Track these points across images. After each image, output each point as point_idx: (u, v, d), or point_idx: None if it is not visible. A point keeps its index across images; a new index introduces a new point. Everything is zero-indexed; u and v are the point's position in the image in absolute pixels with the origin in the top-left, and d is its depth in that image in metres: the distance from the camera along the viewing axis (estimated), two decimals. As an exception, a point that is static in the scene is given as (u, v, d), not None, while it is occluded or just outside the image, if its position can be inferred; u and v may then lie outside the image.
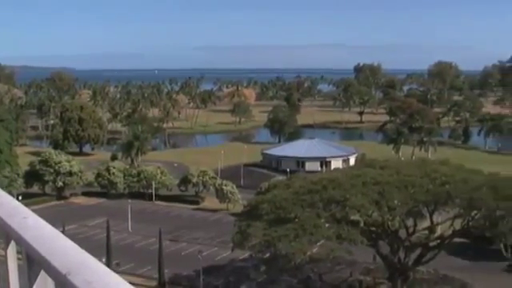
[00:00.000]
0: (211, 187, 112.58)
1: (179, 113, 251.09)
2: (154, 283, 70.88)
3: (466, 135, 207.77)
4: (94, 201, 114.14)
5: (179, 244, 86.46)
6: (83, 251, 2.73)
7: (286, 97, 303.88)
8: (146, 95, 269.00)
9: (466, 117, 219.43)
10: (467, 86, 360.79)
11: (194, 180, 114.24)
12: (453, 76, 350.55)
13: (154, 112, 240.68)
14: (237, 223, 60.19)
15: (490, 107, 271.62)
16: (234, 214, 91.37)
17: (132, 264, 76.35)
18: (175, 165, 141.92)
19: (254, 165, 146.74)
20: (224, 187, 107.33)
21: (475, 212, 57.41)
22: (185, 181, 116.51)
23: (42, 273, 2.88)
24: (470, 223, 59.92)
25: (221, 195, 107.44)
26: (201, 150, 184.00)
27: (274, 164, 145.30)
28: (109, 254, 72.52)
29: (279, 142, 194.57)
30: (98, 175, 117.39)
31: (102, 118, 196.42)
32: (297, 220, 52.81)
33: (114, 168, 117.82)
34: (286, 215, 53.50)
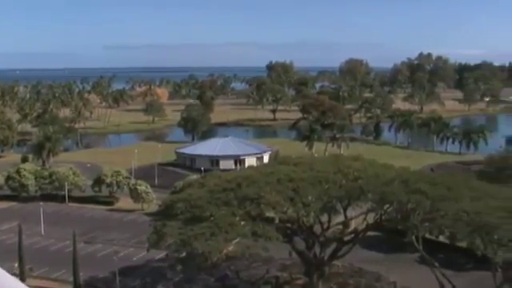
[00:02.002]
0: (125, 187, 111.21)
1: (91, 113, 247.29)
2: (70, 287, 69.52)
3: (378, 131, 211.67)
4: (4, 204, 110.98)
5: (94, 246, 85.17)
6: None
7: (199, 95, 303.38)
8: (56, 95, 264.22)
9: (377, 113, 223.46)
10: (378, 82, 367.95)
11: (108, 180, 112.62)
12: (364, 73, 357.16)
13: (65, 112, 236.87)
14: (152, 223, 59.66)
15: (399, 103, 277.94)
16: (149, 214, 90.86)
17: (46, 268, 74.66)
18: (88, 165, 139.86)
19: (168, 164, 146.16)
20: (138, 187, 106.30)
21: (387, 206, 58.41)
22: (98, 181, 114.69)
23: None
24: (383, 217, 61.01)
25: (135, 195, 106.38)
26: (114, 150, 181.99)
27: (188, 163, 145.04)
28: (21, 259, 70.61)
29: (193, 140, 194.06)
30: (8, 178, 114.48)
31: (11, 119, 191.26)
32: (212, 218, 52.66)
33: (25, 170, 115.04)
34: (201, 214, 53.30)
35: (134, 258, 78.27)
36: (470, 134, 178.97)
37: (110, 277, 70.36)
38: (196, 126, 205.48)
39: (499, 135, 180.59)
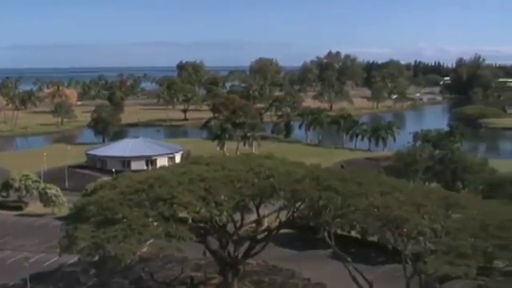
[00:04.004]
0: (34, 191, 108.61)
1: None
2: (-23, 297, 67.58)
3: (288, 129, 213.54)
4: None
5: (4, 252, 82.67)
6: None
7: (109, 96, 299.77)
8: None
9: (288, 111, 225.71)
10: (288, 81, 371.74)
11: (16, 185, 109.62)
12: (274, 72, 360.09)
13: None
14: (63, 227, 58.56)
15: (309, 102, 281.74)
16: (60, 218, 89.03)
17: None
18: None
19: (79, 166, 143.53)
20: (48, 191, 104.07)
21: (299, 203, 59.02)
22: (6, 186, 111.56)
23: None
24: (295, 214, 61.63)
25: (45, 199, 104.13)
26: (22, 153, 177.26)
27: (99, 164, 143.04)
28: None
29: (104, 141, 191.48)
30: None
31: None
32: (125, 220, 52.11)
33: None
34: (113, 216, 52.65)
35: (46, 264, 76.47)
36: (378, 131, 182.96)
37: (20, 284, 68.59)
38: (106, 127, 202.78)
39: (406, 131, 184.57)
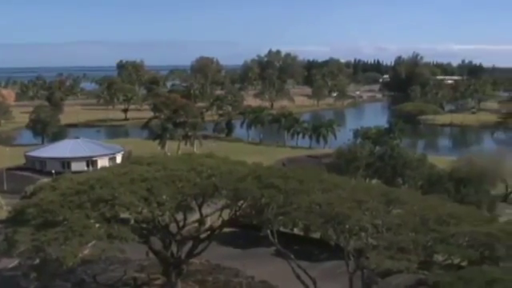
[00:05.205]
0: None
1: None
2: None
3: (230, 128, 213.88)
4: None
5: None
6: None
7: (48, 96, 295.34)
8: None
9: (229, 110, 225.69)
10: (228, 80, 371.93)
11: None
12: (215, 71, 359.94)
13: None
14: (2, 230, 57.51)
15: (250, 100, 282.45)
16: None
17: None
18: None
19: (18, 168, 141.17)
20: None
21: (242, 202, 59.12)
22: None
23: None
24: (238, 213, 61.71)
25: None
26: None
27: (38, 166, 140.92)
28: None
29: (43, 143, 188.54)
30: None
31: None
32: (66, 222, 51.38)
33: None
34: (54, 218, 51.85)
35: (-16, 269, 75.14)
36: (319, 129, 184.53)
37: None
38: (45, 128, 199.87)
39: (347, 129, 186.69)
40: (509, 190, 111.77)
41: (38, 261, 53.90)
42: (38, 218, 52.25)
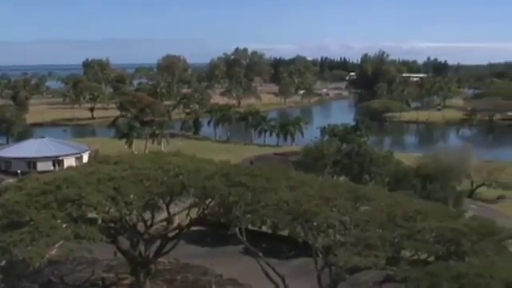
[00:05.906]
0: None
1: None
2: None
3: (197, 126, 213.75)
4: None
5: None
6: None
7: (13, 95, 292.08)
8: None
9: (196, 108, 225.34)
10: (195, 78, 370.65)
11: None
12: (181, 69, 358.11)
13: None
14: (-34, 231, 56.86)
15: (218, 98, 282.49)
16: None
17: None
18: None
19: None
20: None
21: (209, 200, 59.03)
22: None
23: None
24: (206, 211, 61.59)
25: None
26: None
27: (3, 166, 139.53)
28: None
29: (8, 142, 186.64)
30: None
31: None
32: (32, 223, 50.88)
33: None
34: (20, 219, 51.30)
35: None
36: (286, 127, 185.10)
37: None
38: (10, 128, 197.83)
39: (314, 126, 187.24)
40: (474, 185, 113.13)
41: (4, 262, 53.36)
42: (3, 218, 51.67)
